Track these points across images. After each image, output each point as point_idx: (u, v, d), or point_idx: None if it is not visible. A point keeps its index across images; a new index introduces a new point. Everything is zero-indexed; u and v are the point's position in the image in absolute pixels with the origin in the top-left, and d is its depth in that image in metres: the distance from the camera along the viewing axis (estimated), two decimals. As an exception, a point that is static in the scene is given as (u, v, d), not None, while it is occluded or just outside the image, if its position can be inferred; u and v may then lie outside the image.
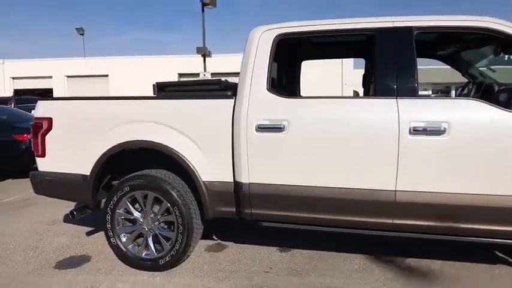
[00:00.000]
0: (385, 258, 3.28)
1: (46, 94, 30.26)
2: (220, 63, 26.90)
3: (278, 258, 3.35)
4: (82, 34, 33.04)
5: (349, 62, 34.38)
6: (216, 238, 3.85)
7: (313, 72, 31.85)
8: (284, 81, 4.10)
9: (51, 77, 32.13)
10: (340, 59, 33.93)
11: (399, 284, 2.83)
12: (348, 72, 34.33)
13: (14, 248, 3.72)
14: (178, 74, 30.24)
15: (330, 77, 33.47)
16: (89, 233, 4.04)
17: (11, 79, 31.95)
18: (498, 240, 2.57)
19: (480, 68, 3.80)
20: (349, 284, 2.86)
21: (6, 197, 5.70)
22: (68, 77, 32.56)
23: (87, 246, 3.70)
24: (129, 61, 31.69)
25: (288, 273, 3.05)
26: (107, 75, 32.00)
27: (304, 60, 4.32)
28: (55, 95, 31.22)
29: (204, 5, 21.71)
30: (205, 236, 3.83)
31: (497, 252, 3.35)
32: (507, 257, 3.26)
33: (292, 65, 4.23)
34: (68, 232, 4.12)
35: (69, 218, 4.42)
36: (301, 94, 4.63)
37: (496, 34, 2.53)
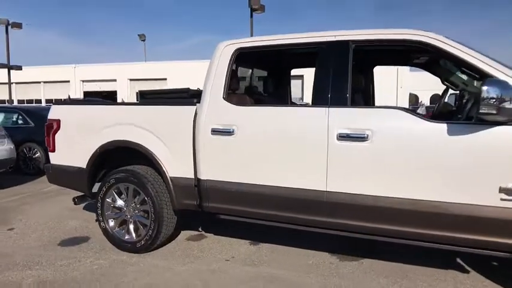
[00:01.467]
0: (343, 256, 3.48)
1: (111, 96, 32.98)
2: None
3: (245, 250, 3.69)
4: (143, 40, 35.58)
5: (404, 64, 33.23)
6: (200, 230, 4.27)
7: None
8: (270, 88, 4.41)
9: (115, 80, 34.87)
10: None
11: (338, 279, 3.04)
12: (404, 75, 33.12)
13: (35, 227, 4.45)
14: (231, 77, 31.24)
15: (384, 80, 32.55)
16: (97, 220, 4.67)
17: (81, 82, 35.19)
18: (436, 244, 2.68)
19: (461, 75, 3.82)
20: (292, 275, 3.12)
21: (46, 187, 6.62)
22: (131, 80, 35.10)
23: (91, 230, 4.31)
24: (186, 65, 33.35)
25: (245, 263, 3.38)
26: (165, 79, 33.98)
27: (288, 69, 4.60)
28: (119, 96, 33.87)
29: (252, 10, 22.35)
30: (192, 227, 4.30)
31: (458, 259, 3.39)
32: (464, 264, 3.30)
33: (280, 73, 4.53)
34: (82, 217, 4.79)
35: (87, 206, 5.14)
36: (292, 100, 4.91)
37: (427, 47, 2.67)
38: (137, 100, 3.89)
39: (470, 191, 2.44)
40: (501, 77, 2.42)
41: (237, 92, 3.63)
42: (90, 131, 3.69)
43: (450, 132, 2.46)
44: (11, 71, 23.65)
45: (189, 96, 3.41)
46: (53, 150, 3.97)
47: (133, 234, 3.62)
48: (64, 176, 3.96)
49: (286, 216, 2.99)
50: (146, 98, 3.71)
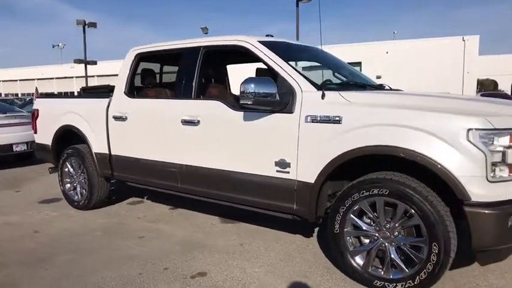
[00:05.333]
0: (228, 220, 4.26)
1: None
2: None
3: (160, 212, 4.66)
4: (206, 33, 37.49)
5: (473, 48, 30.69)
6: (144, 198, 5.32)
7: (431, 62, 29.54)
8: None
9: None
10: (464, 45, 30.52)
11: (200, 234, 3.86)
12: (472, 59, 30.62)
13: (34, 191, 5.90)
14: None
15: (450, 65, 30.55)
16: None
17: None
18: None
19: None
20: (171, 229, 4.01)
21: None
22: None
23: (68, 193, 5.61)
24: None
25: (149, 221, 4.35)
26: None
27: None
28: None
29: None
30: (139, 195, 5.36)
31: (315, 230, 3.94)
32: (316, 232, 3.88)
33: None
34: (70, 185, 6.13)
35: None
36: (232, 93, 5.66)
37: (245, 50, 3.33)
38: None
39: (258, 164, 3.11)
40: (285, 76, 3.02)
41: (150, 86, 4.53)
42: (53, 118, 4.91)
43: (245, 119, 3.14)
44: (88, 65, 26.99)
45: (109, 91, 4.43)
46: (36, 132, 5.30)
47: (79, 196, 4.79)
48: (42, 151, 5.27)
49: (162, 184, 3.89)
50: (86, 92, 4.84)
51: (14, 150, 7.65)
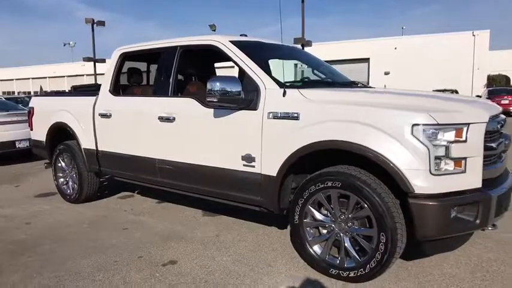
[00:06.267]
0: (210, 213, 4.43)
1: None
2: (322, 52, 27.44)
3: (146, 205, 4.85)
4: (214, 30, 37.62)
5: (483, 42, 30.26)
6: (135, 192, 5.52)
7: (440, 58, 29.21)
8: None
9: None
10: (474, 40, 30.10)
11: (181, 227, 4.04)
12: (482, 55, 30.20)
13: (32, 185, 6.16)
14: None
15: (460, 61, 30.20)
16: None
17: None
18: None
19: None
20: (154, 221, 4.20)
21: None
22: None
23: (64, 188, 5.84)
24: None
25: (133, 213, 4.55)
26: (233, 67, 35.81)
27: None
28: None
29: (303, -5, 22.79)
30: (130, 190, 5.57)
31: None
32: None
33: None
34: (67, 180, 6.38)
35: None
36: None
37: (217, 50, 3.48)
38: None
39: (227, 158, 3.27)
40: (251, 74, 3.17)
41: (136, 84, 4.70)
42: (46, 115, 5.14)
43: (214, 115, 3.29)
44: (97, 63, 27.44)
45: (97, 89, 4.63)
46: (32, 129, 5.54)
47: (71, 190, 5.02)
48: (37, 147, 5.51)
49: (144, 178, 4.08)
50: (77, 90, 5.06)
51: (17, 146, 7.95)
